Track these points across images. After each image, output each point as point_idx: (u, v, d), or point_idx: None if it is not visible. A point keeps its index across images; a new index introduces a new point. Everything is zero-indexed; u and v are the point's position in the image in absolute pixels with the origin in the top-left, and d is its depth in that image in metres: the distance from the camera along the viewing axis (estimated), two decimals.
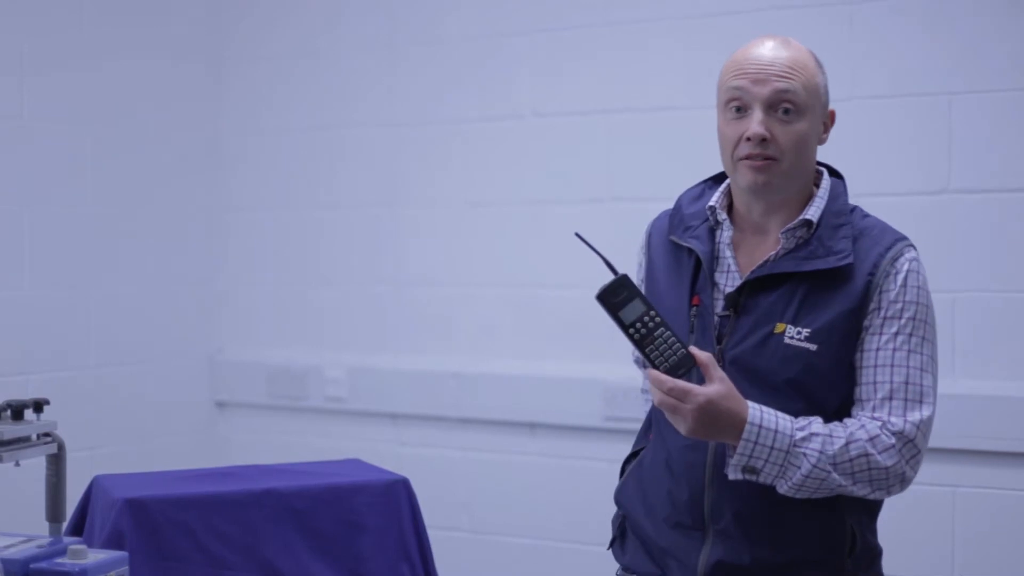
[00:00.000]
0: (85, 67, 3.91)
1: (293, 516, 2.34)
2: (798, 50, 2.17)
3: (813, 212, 2.17)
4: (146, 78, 4.10)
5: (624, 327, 2.04)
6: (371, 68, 4.10)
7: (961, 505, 3.27)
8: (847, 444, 2.07)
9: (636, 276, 2.36)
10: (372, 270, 4.13)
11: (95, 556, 1.85)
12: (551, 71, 3.83)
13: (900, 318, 2.12)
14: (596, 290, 2.06)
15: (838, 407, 2.15)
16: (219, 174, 4.35)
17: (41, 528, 2.05)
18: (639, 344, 2.04)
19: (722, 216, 2.23)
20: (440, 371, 3.95)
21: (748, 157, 2.14)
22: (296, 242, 4.27)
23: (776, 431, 2.06)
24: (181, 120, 4.24)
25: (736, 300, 2.16)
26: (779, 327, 2.13)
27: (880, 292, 2.13)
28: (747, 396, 2.08)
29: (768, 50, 2.16)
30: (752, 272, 2.16)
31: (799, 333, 2.12)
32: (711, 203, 2.24)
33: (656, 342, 2.04)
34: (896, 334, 2.12)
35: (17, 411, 2.02)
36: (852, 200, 2.25)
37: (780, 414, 2.08)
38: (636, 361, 2.46)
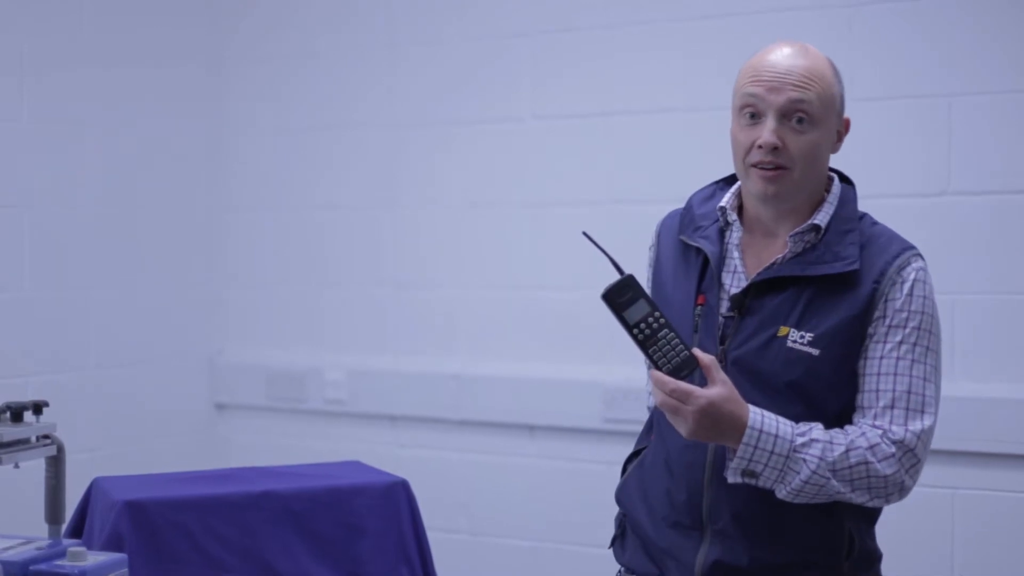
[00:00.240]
0: (85, 68, 3.91)
1: (292, 518, 2.34)
2: (816, 59, 2.17)
3: (822, 217, 2.17)
4: (146, 79, 4.10)
5: (628, 327, 2.04)
6: (371, 69, 4.11)
7: (961, 507, 3.27)
8: (847, 451, 2.07)
9: (645, 275, 2.37)
10: (372, 272, 4.13)
11: (94, 558, 1.85)
12: (551, 73, 3.83)
13: (905, 327, 2.12)
14: (598, 291, 2.06)
15: (839, 412, 2.15)
16: (219, 175, 4.35)
17: (40, 530, 2.05)
18: (642, 345, 2.04)
19: (732, 217, 2.23)
20: (440, 373, 3.95)
21: (759, 164, 2.14)
22: (296, 244, 4.27)
23: (776, 436, 2.06)
24: (181, 121, 4.24)
25: (741, 301, 2.17)
26: (783, 330, 2.13)
27: (886, 300, 2.13)
28: (748, 397, 2.08)
29: (785, 57, 2.15)
30: (758, 274, 2.17)
31: (802, 337, 2.12)
32: (722, 204, 2.24)
33: (659, 343, 2.05)
34: (900, 343, 2.12)
35: (16, 413, 2.02)
36: None
37: (781, 419, 2.08)
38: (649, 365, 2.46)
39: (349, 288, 4.17)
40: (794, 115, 2.13)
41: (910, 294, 2.13)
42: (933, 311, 2.16)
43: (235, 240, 4.36)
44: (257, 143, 4.32)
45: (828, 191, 2.22)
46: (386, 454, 3.81)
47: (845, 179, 2.26)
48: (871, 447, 2.08)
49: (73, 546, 1.86)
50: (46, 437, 2.04)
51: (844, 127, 2.22)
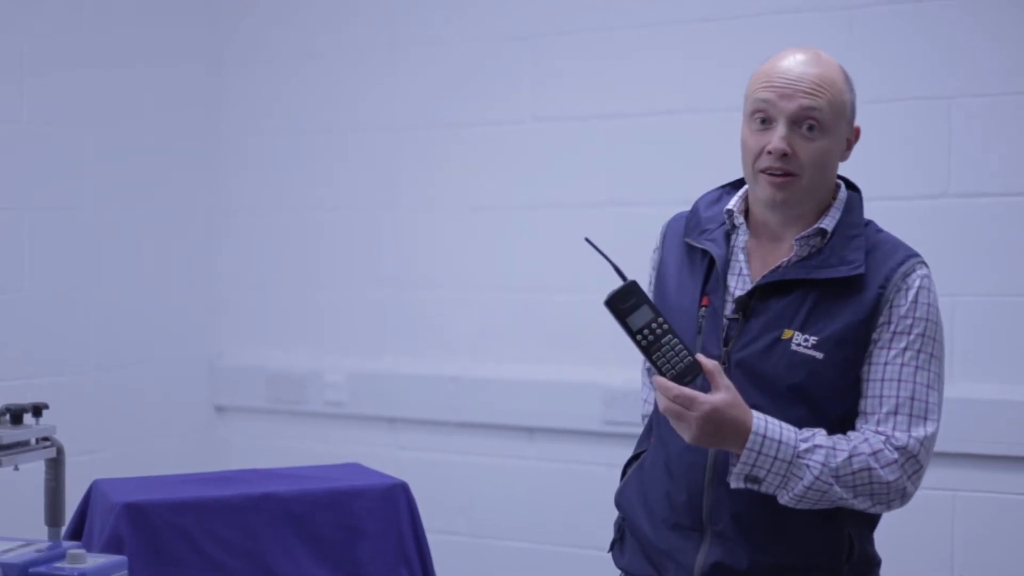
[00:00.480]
0: (85, 69, 3.91)
1: (292, 520, 2.34)
2: (828, 66, 2.18)
3: (828, 222, 2.18)
4: (146, 80, 4.10)
5: (631, 333, 2.05)
6: (371, 71, 4.11)
7: (961, 509, 3.27)
8: (850, 457, 2.08)
9: (647, 277, 2.37)
10: (371, 273, 4.13)
11: (94, 560, 1.85)
12: (551, 75, 3.83)
13: (909, 334, 2.13)
14: (598, 295, 2.06)
15: (841, 417, 2.15)
16: (219, 177, 4.35)
17: (40, 532, 2.05)
18: (646, 351, 2.05)
19: (739, 220, 2.24)
20: (439, 375, 3.95)
21: (768, 170, 2.15)
22: (296, 245, 4.27)
23: (780, 441, 2.06)
24: (181, 122, 4.24)
25: (746, 303, 2.17)
26: (787, 333, 2.13)
27: (891, 306, 2.14)
28: (750, 400, 2.08)
29: (798, 64, 2.16)
30: (764, 277, 2.17)
31: (806, 340, 2.13)
32: (729, 207, 2.25)
33: (663, 349, 2.05)
34: (904, 349, 2.13)
35: (16, 415, 2.02)
36: None
37: (784, 425, 2.08)
38: (648, 371, 2.46)
39: (348, 290, 4.17)
40: (805, 122, 2.14)
41: (915, 301, 2.14)
42: (937, 319, 2.17)
43: (235, 242, 4.36)
44: (257, 144, 4.32)
45: (834, 197, 2.22)
46: (386, 456, 3.81)
47: (852, 186, 2.27)
48: (874, 453, 2.08)
49: (73, 548, 1.85)
50: (46, 439, 2.04)
51: (854, 135, 2.23)
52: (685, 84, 3.62)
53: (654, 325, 2.04)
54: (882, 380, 2.13)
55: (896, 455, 2.09)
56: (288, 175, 4.27)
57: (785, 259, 2.17)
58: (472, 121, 3.95)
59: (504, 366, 3.87)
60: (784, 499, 2.09)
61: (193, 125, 4.28)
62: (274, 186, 4.30)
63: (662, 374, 2.05)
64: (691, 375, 2.05)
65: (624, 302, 2.05)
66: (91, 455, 3.75)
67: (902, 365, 2.13)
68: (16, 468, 2.00)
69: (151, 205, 4.14)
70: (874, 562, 2.24)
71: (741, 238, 2.23)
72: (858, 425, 2.14)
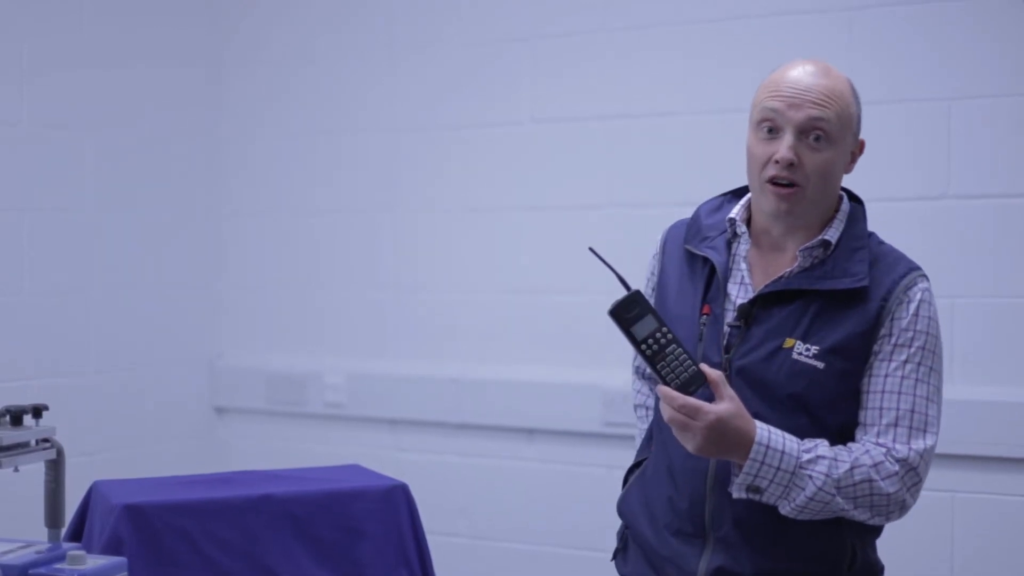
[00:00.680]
0: (85, 71, 3.91)
1: (292, 522, 2.34)
2: (836, 79, 2.19)
3: (832, 233, 2.19)
4: (146, 82, 4.10)
5: (636, 343, 2.05)
6: (371, 72, 4.11)
7: (960, 510, 3.27)
8: (852, 469, 2.08)
9: (647, 284, 2.37)
10: (371, 275, 4.13)
11: (94, 562, 1.85)
12: (550, 77, 3.83)
13: (910, 347, 2.14)
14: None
15: (841, 427, 2.16)
16: (219, 179, 4.35)
17: (40, 534, 2.04)
18: (650, 360, 2.05)
19: (742, 229, 2.24)
20: (439, 377, 3.95)
21: (774, 179, 2.15)
22: (296, 247, 4.27)
23: (783, 452, 2.06)
24: (181, 125, 4.24)
25: (748, 311, 2.18)
26: (788, 342, 2.14)
27: (892, 319, 2.14)
28: (751, 407, 2.09)
29: (807, 75, 2.17)
30: (767, 285, 2.18)
31: (808, 350, 2.13)
32: (731, 215, 2.26)
33: (668, 359, 2.05)
34: (905, 362, 2.14)
35: (16, 416, 2.02)
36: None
37: (787, 435, 2.09)
38: (637, 370, 2.46)
39: (348, 292, 4.17)
40: (812, 132, 2.14)
41: (916, 314, 2.15)
42: (937, 332, 2.18)
43: (235, 243, 4.36)
44: (257, 146, 4.32)
45: (837, 209, 2.23)
46: (385, 458, 3.81)
47: (854, 197, 2.28)
48: (875, 465, 2.09)
49: (73, 550, 1.85)
50: (46, 441, 2.03)
51: (859, 148, 2.24)
52: (685, 85, 3.63)
53: (658, 335, 2.05)
54: (882, 392, 2.14)
55: (897, 467, 2.10)
56: (288, 176, 4.28)
57: (788, 269, 2.18)
58: (471, 122, 3.95)
59: (504, 367, 3.87)
60: (785, 509, 2.09)
61: (193, 126, 4.29)
62: (274, 187, 4.30)
63: (666, 383, 2.05)
64: (695, 385, 2.05)
65: (628, 312, 2.05)
66: (91, 456, 3.75)
67: (903, 378, 2.14)
68: (16, 469, 2.00)
69: (151, 206, 4.14)
70: (876, 569, 2.25)
71: (743, 247, 2.24)
72: (858, 436, 2.15)
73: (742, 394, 2.09)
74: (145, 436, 4.09)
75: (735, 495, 2.10)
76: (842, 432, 2.15)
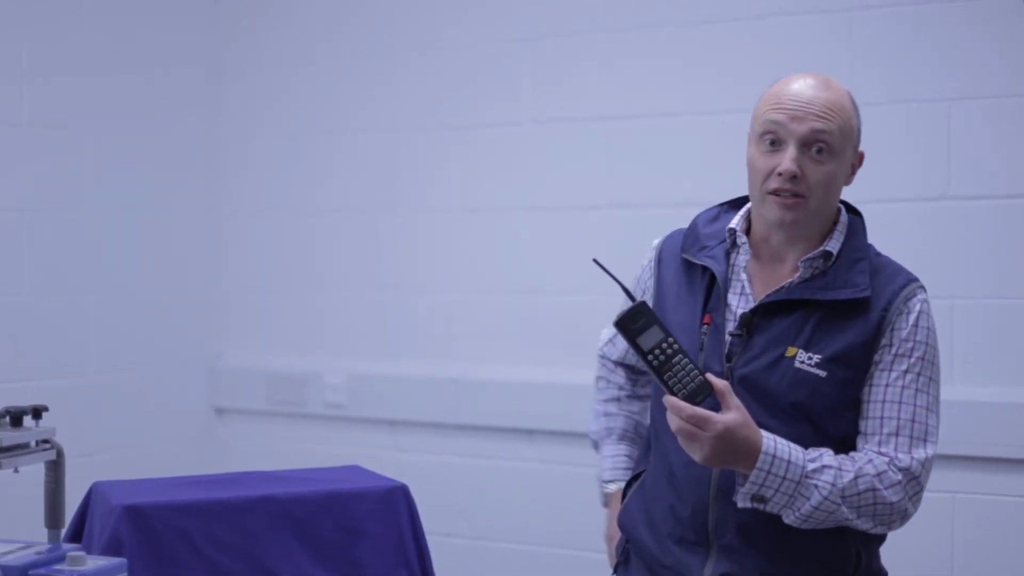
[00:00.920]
0: (86, 73, 3.91)
1: (292, 523, 2.34)
2: (837, 92, 2.20)
3: (833, 245, 2.21)
4: (146, 83, 4.10)
5: (643, 354, 2.05)
6: (371, 74, 4.11)
7: (960, 511, 3.27)
8: (856, 478, 2.09)
9: (635, 291, 2.38)
10: (371, 276, 4.13)
11: (94, 563, 1.85)
12: (550, 77, 3.83)
13: (910, 356, 2.16)
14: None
15: (842, 436, 2.17)
16: (219, 179, 4.35)
17: (40, 534, 2.04)
18: (657, 371, 2.05)
19: (742, 239, 2.25)
20: (439, 377, 3.95)
21: (777, 192, 2.16)
22: (296, 248, 4.27)
23: (789, 462, 2.07)
24: (181, 126, 4.24)
25: (750, 320, 2.19)
26: (790, 351, 2.15)
27: (892, 329, 2.16)
28: (753, 417, 2.09)
29: (809, 88, 2.18)
30: (768, 295, 2.19)
31: (810, 359, 2.15)
32: (732, 225, 2.27)
33: (674, 369, 2.05)
34: (905, 372, 2.16)
35: (16, 417, 2.01)
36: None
37: (792, 444, 2.09)
38: (605, 356, 2.50)
39: (348, 292, 4.17)
40: (814, 145, 2.15)
41: (916, 325, 2.17)
42: (935, 343, 2.20)
43: (235, 244, 4.36)
44: (257, 147, 4.32)
45: (837, 220, 2.25)
46: (385, 458, 3.81)
47: (852, 210, 2.29)
48: (878, 474, 2.11)
49: (72, 550, 1.85)
50: (45, 442, 2.03)
51: (859, 160, 2.25)
52: (685, 85, 3.63)
53: (664, 345, 2.05)
54: (883, 401, 2.15)
55: (900, 476, 2.12)
56: (288, 177, 4.28)
57: (789, 279, 2.19)
58: (472, 123, 3.95)
59: (504, 368, 3.87)
60: (789, 519, 2.10)
61: (193, 127, 4.29)
62: (274, 188, 4.30)
63: (673, 394, 2.05)
64: (702, 395, 2.06)
65: (634, 323, 2.06)
66: (91, 457, 3.74)
67: (903, 387, 2.15)
68: (16, 470, 2.00)
69: (151, 207, 4.14)
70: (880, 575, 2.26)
71: (742, 257, 2.25)
72: (859, 445, 2.16)
73: (744, 403, 2.09)
74: (145, 437, 4.09)
75: (740, 504, 2.11)
76: (843, 441, 2.16)
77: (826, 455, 2.10)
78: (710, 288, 2.23)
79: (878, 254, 2.26)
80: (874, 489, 2.09)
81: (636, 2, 3.70)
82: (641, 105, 3.69)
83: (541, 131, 3.84)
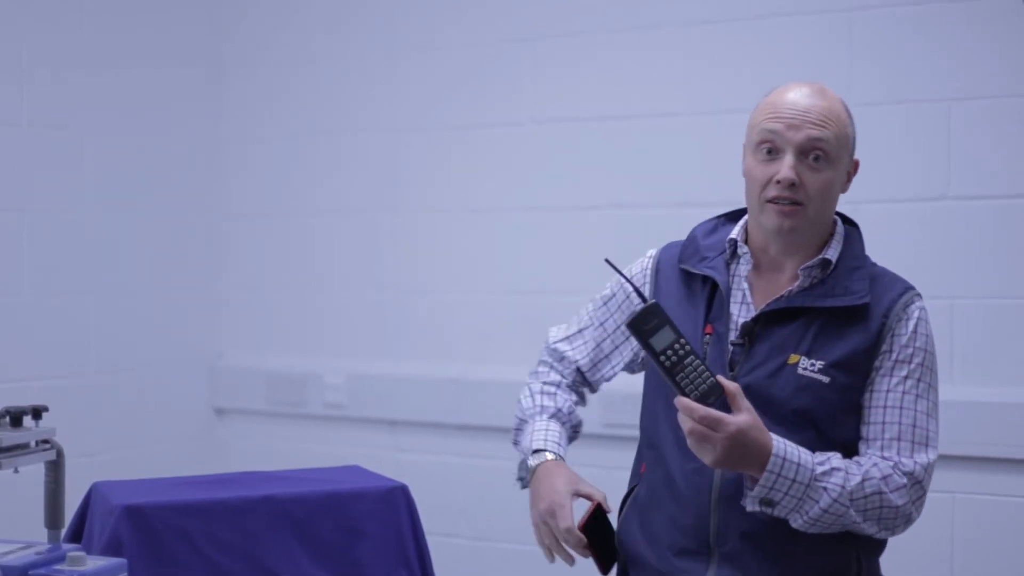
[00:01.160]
0: (85, 71, 3.91)
1: (292, 523, 2.34)
2: (833, 100, 2.22)
3: (831, 252, 2.22)
4: (146, 83, 4.10)
5: (655, 354, 2.05)
6: (371, 73, 4.11)
7: (960, 511, 3.27)
8: (863, 481, 2.11)
9: (620, 294, 2.39)
10: (371, 276, 4.13)
11: (94, 563, 1.84)
12: (550, 77, 3.83)
13: (910, 363, 2.18)
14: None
15: (844, 442, 2.18)
16: (219, 179, 4.35)
17: (40, 535, 2.04)
18: (669, 372, 2.05)
19: (743, 249, 2.26)
20: (439, 377, 3.95)
21: (775, 200, 2.18)
22: (295, 248, 4.27)
23: (799, 464, 2.08)
24: (181, 125, 4.24)
25: (751, 329, 2.20)
26: (793, 358, 2.17)
27: (893, 335, 2.18)
28: None
29: (804, 97, 2.20)
30: (769, 304, 2.21)
31: (812, 365, 2.16)
32: (732, 236, 2.28)
33: (686, 370, 2.06)
34: (906, 378, 2.18)
35: (16, 417, 2.01)
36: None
37: (801, 448, 2.10)
38: (555, 352, 2.46)
39: (348, 292, 4.17)
40: (812, 153, 2.17)
41: (915, 331, 2.19)
42: (934, 350, 2.23)
43: (235, 244, 4.36)
44: (257, 147, 4.32)
45: (833, 230, 2.26)
46: (385, 458, 3.81)
47: (848, 220, 2.31)
48: (884, 478, 2.12)
49: (72, 550, 1.85)
50: (45, 442, 2.03)
51: (854, 168, 2.27)
52: (685, 86, 3.63)
53: (676, 346, 2.05)
54: (884, 407, 2.17)
55: (905, 480, 2.13)
56: (288, 177, 4.28)
57: (788, 288, 2.21)
58: (472, 123, 3.95)
59: (504, 368, 3.86)
60: (797, 523, 2.11)
61: (193, 127, 4.29)
62: (274, 188, 4.30)
63: (685, 395, 2.05)
64: (714, 396, 2.06)
65: (647, 323, 2.06)
66: (91, 457, 3.75)
67: (903, 393, 2.17)
68: (16, 471, 2.00)
69: (151, 207, 4.14)
70: None
71: (743, 267, 2.26)
72: (861, 450, 2.18)
73: None
74: (145, 437, 4.09)
75: (748, 508, 2.11)
76: (845, 447, 2.17)
77: (834, 458, 2.12)
78: (711, 298, 2.24)
79: (874, 264, 2.28)
80: (881, 492, 2.11)
81: (636, 2, 3.70)
82: (641, 105, 3.69)
83: (541, 131, 3.84)
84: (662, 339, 2.05)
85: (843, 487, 2.08)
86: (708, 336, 2.21)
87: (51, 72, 3.80)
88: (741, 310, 2.23)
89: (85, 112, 3.91)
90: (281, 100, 4.28)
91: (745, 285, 2.24)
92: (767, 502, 2.09)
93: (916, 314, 2.20)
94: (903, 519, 2.15)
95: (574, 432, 2.50)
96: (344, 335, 4.17)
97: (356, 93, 4.14)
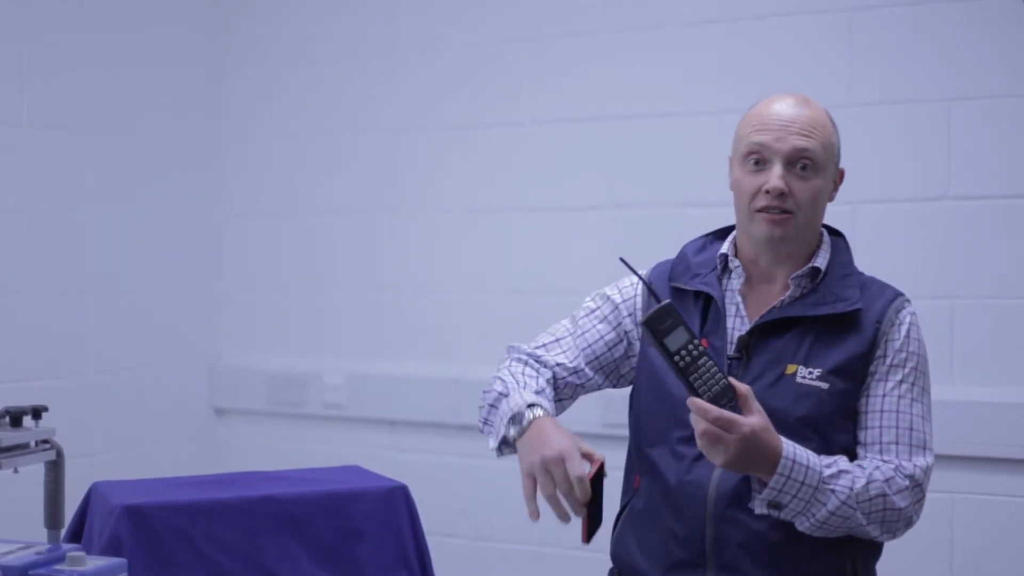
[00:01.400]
0: (85, 72, 3.91)
1: (292, 523, 2.34)
2: (817, 109, 2.24)
3: (821, 261, 2.25)
4: (147, 83, 4.10)
5: (669, 354, 2.05)
6: (371, 74, 4.11)
7: (960, 511, 3.27)
8: (868, 483, 2.12)
9: (607, 306, 2.39)
10: (371, 276, 4.13)
11: (94, 563, 1.84)
12: (550, 77, 3.83)
13: (904, 367, 2.20)
14: (643, 316, 2.05)
15: (844, 447, 2.19)
16: (219, 180, 4.35)
17: (40, 535, 2.04)
18: (683, 372, 2.05)
19: (735, 263, 2.28)
20: (439, 378, 3.95)
21: (765, 209, 2.20)
22: (295, 248, 4.27)
23: (808, 467, 2.09)
24: (181, 126, 4.24)
25: (747, 342, 2.21)
26: (790, 368, 2.19)
27: (886, 341, 2.21)
28: None
29: (790, 107, 2.22)
30: (763, 316, 2.22)
31: (811, 372, 2.18)
32: (723, 251, 2.30)
33: (700, 371, 2.06)
34: (900, 382, 2.20)
35: (16, 417, 2.01)
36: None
37: (809, 451, 2.11)
38: (532, 355, 2.40)
39: (348, 292, 4.17)
40: (799, 162, 2.20)
41: (907, 336, 2.22)
42: (926, 355, 2.25)
43: (235, 244, 4.36)
44: (257, 147, 4.32)
45: (820, 239, 2.29)
46: (385, 458, 3.81)
47: (834, 232, 2.33)
48: (887, 480, 2.13)
49: (72, 550, 1.85)
50: (45, 442, 2.03)
51: (839, 177, 2.30)
52: (685, 86, 3.63)
53: (691, 347, 2.05)
54: (881, 411, 2.19)
55: (907, 482, 2.15)
56: (288, 177, 4.28)
57: (780, 299, 2.23)
58: (472, 123, 3.95)
59: None
60: (804, 525, 2.11)
61: (193, 127, 4.29)
62: (274, 188, 4.30)
63: (699, 396, 2.06)
64: (726, 398, 2.06)
65: (661, 323, 2.06)
66: (91, 457, 3.75)
67: (899, 397, 2.19)
68: (16, 471, 2.00)
69: (151, 207, 4.14)
70: None
71: (735, 281, 2.28)
72: (859, 455, 2.19)
73: None
74: (145, 437, 4.09)
75: (757, 511, 2.12)
76: (846, 452, 2.18)
77: (841, 460, 2.13)
78: (704, 313, 2.26)
79: (861, 273, 2.30)
80: (884, 495, 2.12)
81: (636, 2, 3.70)
82: (641, 105, 3.69)
83: (541, 131, 3.84)
84: (676, 339, 2.05)
85: (851, 489, 2.09)
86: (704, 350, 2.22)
87: (51, 72, 3.80)
88: (736, 323, 2.25)
89: (85, 112, 3.91)
90: (281, 100, 4.28)
91: (738, 299, 2.26)
92: (775, 505, 2.10)
93: (908, 319, 2.22)
94: (904, 522, 2.16)
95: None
96: (344, 335, 4.17)
97: (356, 93, 4.14)
